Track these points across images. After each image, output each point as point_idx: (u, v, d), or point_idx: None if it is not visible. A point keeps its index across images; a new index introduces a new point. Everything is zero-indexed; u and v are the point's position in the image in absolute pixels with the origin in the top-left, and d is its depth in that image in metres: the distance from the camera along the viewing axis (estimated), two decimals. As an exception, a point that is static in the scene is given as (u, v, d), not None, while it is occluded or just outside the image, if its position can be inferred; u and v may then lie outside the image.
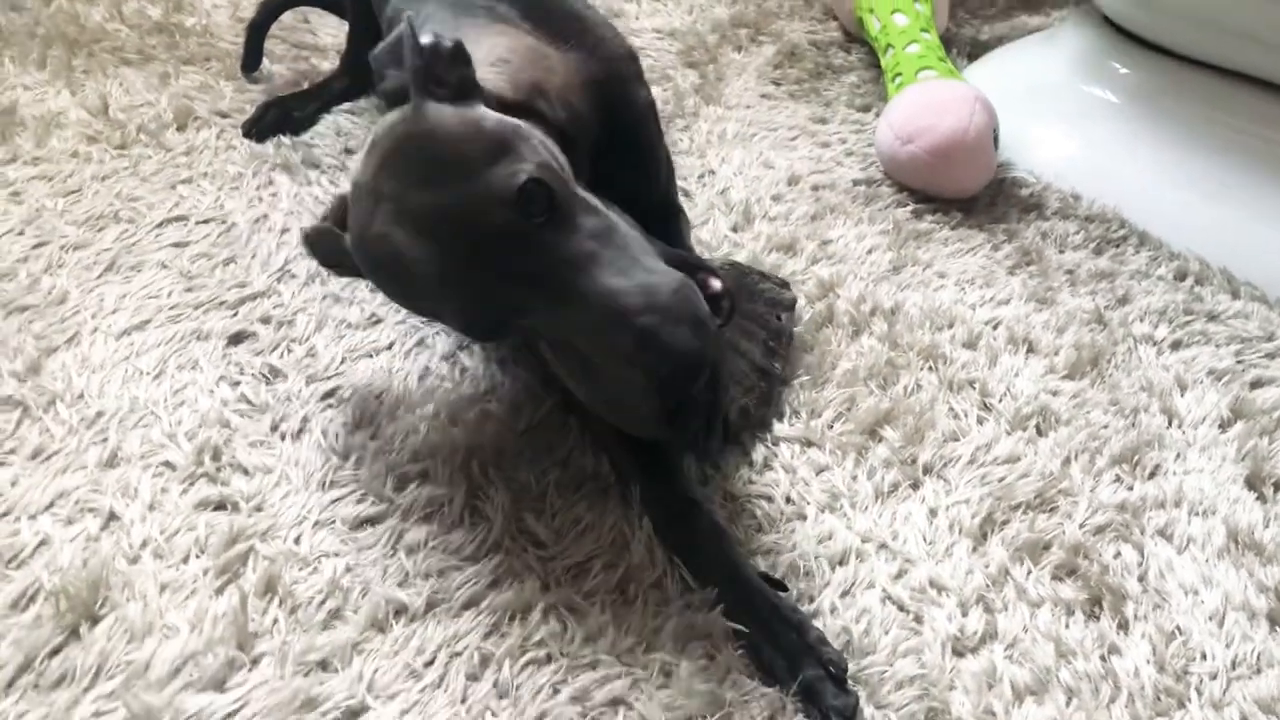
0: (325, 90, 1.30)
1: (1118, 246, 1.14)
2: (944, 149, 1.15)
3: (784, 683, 0.68)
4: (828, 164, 1.26)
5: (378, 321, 0.97)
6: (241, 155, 1.19)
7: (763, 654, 0.70)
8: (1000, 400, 0.92)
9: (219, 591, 0.72)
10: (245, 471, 0.81)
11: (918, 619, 0.74)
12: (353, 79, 1.31)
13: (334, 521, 0.78)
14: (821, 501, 0.82)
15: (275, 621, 0.70)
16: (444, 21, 0.89)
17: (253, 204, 1.11)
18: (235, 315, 0.96)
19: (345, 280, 0.99)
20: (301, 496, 0.80)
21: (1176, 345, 1.01)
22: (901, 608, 0.75)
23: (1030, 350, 0.99)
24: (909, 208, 1.18)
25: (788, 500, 0.83)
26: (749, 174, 1.23)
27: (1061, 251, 1.13)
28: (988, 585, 0.76)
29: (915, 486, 0.84)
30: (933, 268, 1.09)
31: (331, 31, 1.44)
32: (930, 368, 0.96)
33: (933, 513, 0.82)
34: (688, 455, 0.82)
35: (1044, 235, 1.15)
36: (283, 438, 0.85)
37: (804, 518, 0.81)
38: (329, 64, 1.37)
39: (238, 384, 0.89)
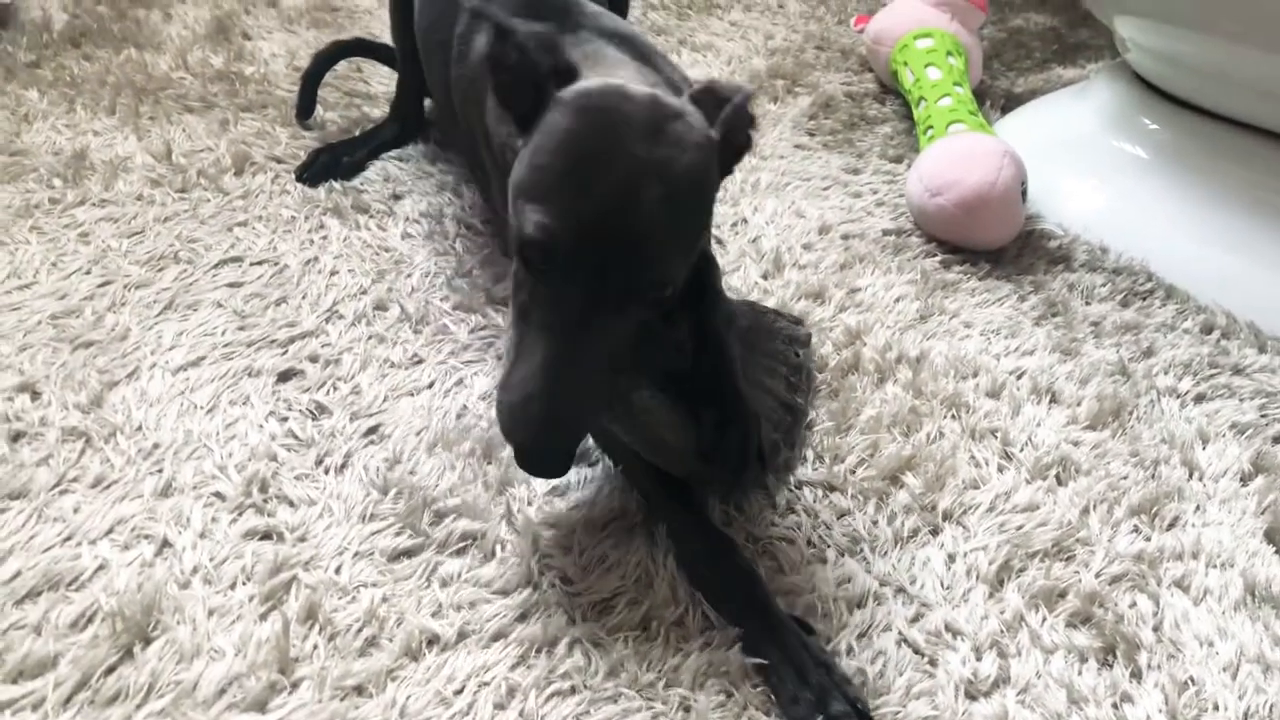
0: (375, 137, 1.35)
1: (1144, 299, 1.16)
2: (971, 202, 1.17)
3: (808, 718, 0.70)
4: (859, 214, 1.30)
5: (419, 361, 1.01)
6: (294, 199, 1.25)
7: (786, 689, 0.72)
8: (1021, 449, 0.94)
9: (263, 617, 0.76)
10: (291, 503, 0.85)
11: (932, 662, 0.76)
12: (402, 126, 1.37)
13: (373, 553, 0.81)
14: (842, 545, 0.85)
15: (315, 647, 0.74)
16: None
17: (304, 246, 1.17)
18: (285, 353, 1.01)
19: (389, 321, 1.05)
20: (343, 528, 0.83)
21: (1200, 398, 1.02)
22: (917, 650, 0.77)
23: (1053, 401, 1.01)
24: (937, 258, 1.21)
25: (809, 543, 0.85)
26: (781, 223, 1.26)
27: (1088, 303, 1.15)
28: (1002, 631, 0.78)
29: (935, 532, 0.86)
30: (959, 317, 1.12)
31: (383, 80, 1.51)
32: (953, 416, 0.98)
33: (951, 558, 0.84)
34: (711, 497, 0.85)
35: (1071, 287, 1.17)
36: (327, 472, 0.89)
37: (824, 561, 0.83)
38: (380, 111, 1.43)
39: (285, 419, 0.93)
